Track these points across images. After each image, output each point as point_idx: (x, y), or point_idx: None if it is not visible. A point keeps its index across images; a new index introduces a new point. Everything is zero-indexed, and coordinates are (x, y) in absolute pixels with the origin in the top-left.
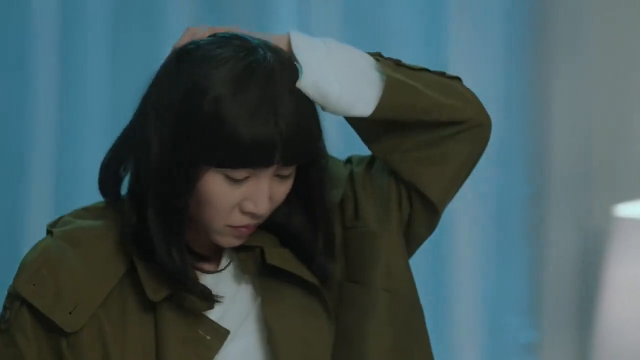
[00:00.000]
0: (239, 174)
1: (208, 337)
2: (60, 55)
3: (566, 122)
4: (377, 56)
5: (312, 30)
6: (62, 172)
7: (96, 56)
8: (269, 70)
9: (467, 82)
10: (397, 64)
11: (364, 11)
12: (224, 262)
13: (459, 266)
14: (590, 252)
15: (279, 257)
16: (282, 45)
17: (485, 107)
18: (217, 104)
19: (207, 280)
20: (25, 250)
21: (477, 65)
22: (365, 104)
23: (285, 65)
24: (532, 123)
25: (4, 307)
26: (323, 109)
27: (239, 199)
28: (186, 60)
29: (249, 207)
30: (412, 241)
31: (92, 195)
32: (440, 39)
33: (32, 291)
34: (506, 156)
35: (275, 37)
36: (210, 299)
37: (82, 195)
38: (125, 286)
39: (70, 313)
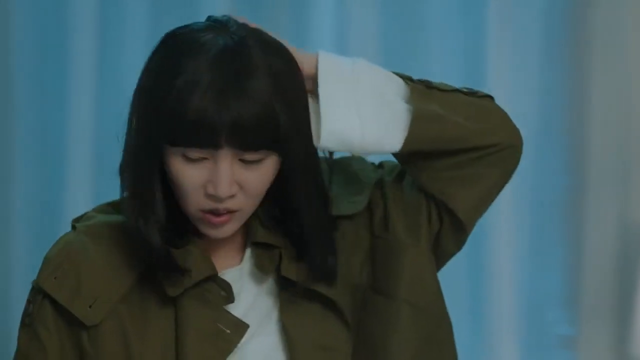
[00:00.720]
0: (193, 153)
1: (228, 331)
2: (98, 47)
3: (605, 115)
4: (407, 79)
5: (349, 26)
6: (100, 164)
7: (133, 51)
8: (229, 54)
9: (506, 75)
10: (428, 86)
11: (402, 4)
12: (244, 259)
13: (496, 260)
14: (629, 246)
15: (294, 270)
16: (309, 65)
17: (524, 100)
18: (173, 85)
19: (228, 275)
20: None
21: (515, 58)
22: (391, 140)
23: (252, 50)
24: (570, 116)
25: (28, 301)
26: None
27: (201, 180)
28: (162, 44)
29: (210, 189)
30: (440, 257)
31: None
32: (478, 31)
33: (54, 285)
34: (544, 149)
35: (304, 56)
36: (229, 292)
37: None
38: (147, 280)
39: (90, 307)
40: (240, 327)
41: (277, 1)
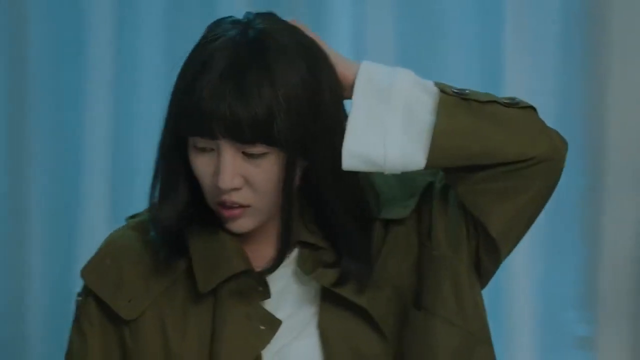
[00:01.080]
0: (199, 142)
1: (262, 327)
2: (114, 50)
3: (622, 116)
4: (444, 90)
5: (365, 27)
6: (117, 165)
7: (149, 53)
8: (235, 48)
9: (522, 76)
10: (464, 97)
11: (419, 6)
12: (290, 259)
13: (514, 261)
14: None
15: (329, 276)
16: (351, 74)
17: (540, 101)
18: (184, 76)
19: (272, 274)
20: (81, 244)
21: (532, 59)
22: (416, 159)
23: (262, 47)
24: (587, 116)
25: (77, 295)
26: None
27: (210, 171)
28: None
29: (215, 180)
30: (482, 275)
31: (146, 190)
32: (495, 33)
33: (95, 279)
34: None
35: (348, 64)
36: (265, 287)
37: (136, 189)
38: (189, 275)
39: (129, 301)
40: (274, 323)
41: (294, 2)
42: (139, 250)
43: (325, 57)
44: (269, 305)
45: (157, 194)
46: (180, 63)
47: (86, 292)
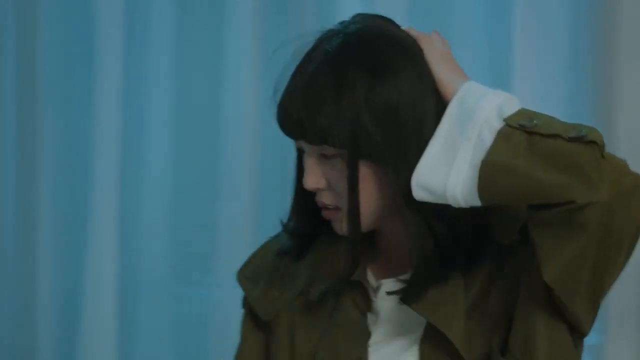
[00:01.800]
0: (296, 144)
1: (358, 337)
2: (125, 56)
3: (631, 119)
4: (513, 117)
5: None
6: (126, 169)
7: (159, 56)
8: (316, 52)
9: (531, 82)
10: (528, 130)
11: (428, 13)
12: (404, 275)
13: None
14: None
15: (422, 303)
16: (449, 90)
17: (549, 107)
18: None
19: (387, 285)
20: (90, 252)
21: (541, 65)
22: (470, 195)
23: (340, 53)
24: (596, 123)
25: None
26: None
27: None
28: None
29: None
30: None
31: (156, 196)
32: (505, 36)
33: (245, 281)
34: None
35: (454, 78)
36: (368, 300)
37: (145, 197)
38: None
39: (265, 302)
40: (365, 335)
41: (302, 9)
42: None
43: (421, 70)
44: (371, 318)
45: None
46: (192, 67)
47: (243, 294)
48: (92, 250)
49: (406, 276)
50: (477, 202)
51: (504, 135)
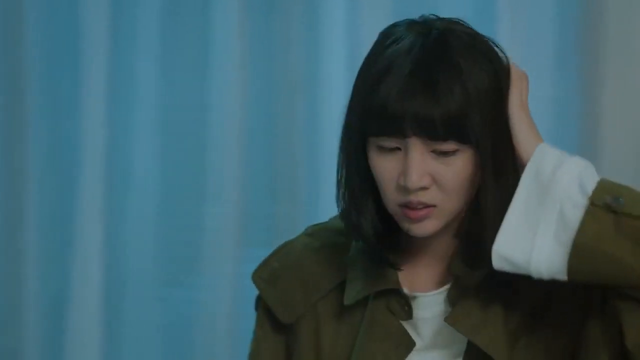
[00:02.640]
0: (384, 142)
1: (398, 347)
2: (110, 56)
3: (617, 123)
4: (597, 193)
5: (359, 35)
6: (112, 173)
7: (145, 58)
8: (421, 46)
9: None
10: (615, 210)
11: (413, 15)
12: (442, 290)
13: None
14: None
15: (463, 322)
16: (525, 152)
17: (535, 110)
18: (369, 76)
19: (422, 299)
20: (76, 254)
21: (527, 70)
22: (562, 268)
23: (447, 46)
24: (582, 127)
25: (256, 299)
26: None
27: (395, 172)
28: (373, 44)
29: (401, 180)
30: None
31: (141, 197)
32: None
33: (261, 280)
34: None
35: (527, 140)
36: (410, 308)
37: (132, 194)
38: (344, 287)
39: (287, 305)
40: (409, 345)
41: (288, 8)
42: (306, 256)
43: (507, 67)
44: (411, 327)
45: (347, 200)
46: (177, 68)
47: (259, 296)
48: (78, 252)
49: (446, 287)
50: (563, 278)
51: (591, 216)
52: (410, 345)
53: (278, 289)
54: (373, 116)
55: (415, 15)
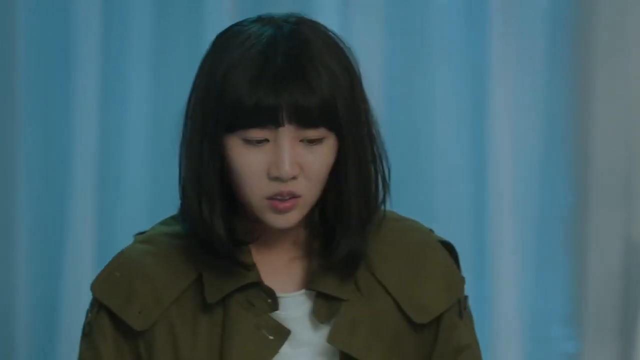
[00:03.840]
0: (253, 134)
1: (271, 337)
2: (102, 57)
3: (609, 132)
4: None
5: (352, 42)
6: (104, 177)
7: (138, 59)
8: (280, 39)
9: (509, 90)
10: None
11: (405, 21)
12: (304, 299)
13: (500, 276)
14: (633, 263)
15: (346, 339)
16: None
17: (527, 116)
18: (229, 74)
19: (286, 300)
20: (67, 258)
21: (518, 75)
22: None
23: (303, 34)
24: (574, 133)
25: (87, 311)
26: None
27: (263, 164)
28: (213, 45)
29: (273, 171)
30: None
31: (134, 198)
32: (481, 49)
33: (104, 292)
34: (548, 166)
35: None
36: (274, 299)
37: (124, 197)
38: (199, 285)
39: (139, 312)
40: (283, 333)
41: (279, 3)
42: (148, 262)
43: (355, 60)
44: (278, 318)
45: (194, 203)
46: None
47: (97, 305)
48: (70, 255)
49: (306, 289)
50: None
51: None
52: (284, 333)
53: (126, 297)
54: (241, 110)
55: (408, 30)
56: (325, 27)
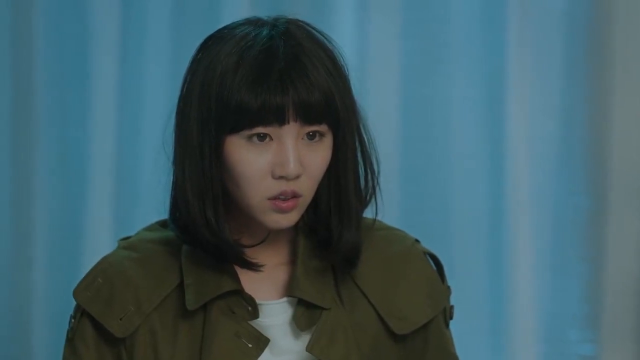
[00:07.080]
0: (259, 130)
1: (250, 345)
2: (120, 59)
3: (625, 136)
4: None
5: (369, 46)
6: (122, 182)
7: (155, 65)
8: (277, 39)
9: (526, 96)
10: None
11: (423, 23)
12: (285, 297)
13: (517, 278)
14: None
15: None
16: None
17: (544, 121)
18: (225, 77)
19: (268, 308)
20: (85, 263)
21: (535, 78)
22: None
23: (296, 33)
24: (591, 136)
25: (71, 317)
26: None
27: (267, 165)
28: (203, 46)
29: (278, 170)
30: None
31: (151, 203)
32: (498, 51)
33: (87, 298)
34: (565, 168)
35: None
36: (254, 307)
37: (140, 198)
38: (180, 292)
39: (120, 319)
40: (261, 342)
41: (296, 6)
42: (130, 268)
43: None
44: (259, 326)
45: (196, 206)
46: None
47: (80, 312)
48: (87, 260)
49: (289, 298)
50: None
51: None
52: (263, 341)
53: (108, 304)
54: (246, 111)
55: (425, 35)
56: (314, 26)
